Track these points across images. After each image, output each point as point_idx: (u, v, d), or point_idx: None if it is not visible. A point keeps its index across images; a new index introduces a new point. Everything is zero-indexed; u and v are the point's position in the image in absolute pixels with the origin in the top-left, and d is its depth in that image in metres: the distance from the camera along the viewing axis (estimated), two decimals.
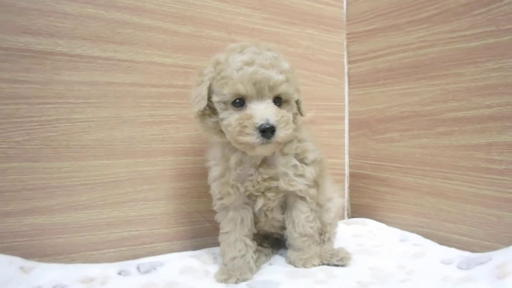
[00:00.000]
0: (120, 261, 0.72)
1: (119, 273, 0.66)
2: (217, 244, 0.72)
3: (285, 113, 0.61)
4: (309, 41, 1.00)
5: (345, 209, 1.08)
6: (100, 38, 0.72)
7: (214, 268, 0.70)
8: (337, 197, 0.81)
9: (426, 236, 0.83)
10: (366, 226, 0.93)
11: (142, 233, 0.78)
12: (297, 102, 0.67)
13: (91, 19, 0.71)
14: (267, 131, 0.57)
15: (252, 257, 0.68)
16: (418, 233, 0.85)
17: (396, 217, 0.93)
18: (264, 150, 0.62)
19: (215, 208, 0.70)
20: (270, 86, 0.60)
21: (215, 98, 0.62)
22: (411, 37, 0.87)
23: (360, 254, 0.75)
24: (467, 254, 0.70)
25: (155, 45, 0.77)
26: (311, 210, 0.71)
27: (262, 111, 0.59)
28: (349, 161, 1.07)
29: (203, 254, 0.76)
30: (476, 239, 0.75)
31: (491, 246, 0.72)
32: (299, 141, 0.69)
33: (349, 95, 1.07)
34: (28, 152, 0.67)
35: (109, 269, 0.67)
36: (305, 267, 0.69)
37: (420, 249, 0.76)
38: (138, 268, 0.68)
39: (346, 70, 1.07)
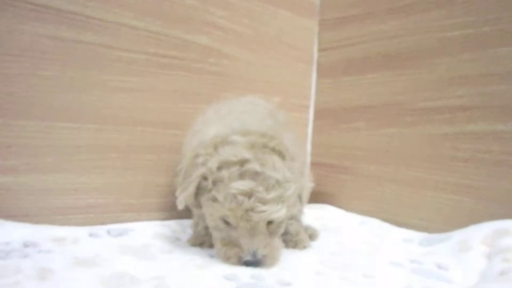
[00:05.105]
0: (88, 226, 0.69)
1: (90, 235, 0.63)
2: (184, 217, 0.72)
3: (275, 245, 0.54)
4: (283, 23, 0.98)
5: None
6: None
7: (185, 236, 0.69)
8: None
9: (385, 221, 0.82)
10: (326, 211, 0.92)
11: (109, 202, 0.74)
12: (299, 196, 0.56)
13: None
14: (251, 265, 0.52)
15: None
16: (377, 218, 0.84)
17: (356, 203, 0.90)
18: None
19: None
20: (267, 223, 0.52)
21: (201, 199, 0.54)
22: (388, 26, 0.84)
23: (324, 232, 0.75)
24: (426, 234, 0.71)
25: (127, 6, 0.73)
26: None
27: (251, 245, 0.51)
28: (312, 150, 1.06)
29: (172, 224, 0.75)
30: (435, 223, 0.74)
31: (449, 230, 0.69)
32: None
33: (316, 84, 1.06)
34: None
35: (79, 231, 0.64)
36: (299, 249, 0.65)
37: (380, 230, 0.78)
38: (108, 232, 0.66)
39: (315, 58, 1.06)
